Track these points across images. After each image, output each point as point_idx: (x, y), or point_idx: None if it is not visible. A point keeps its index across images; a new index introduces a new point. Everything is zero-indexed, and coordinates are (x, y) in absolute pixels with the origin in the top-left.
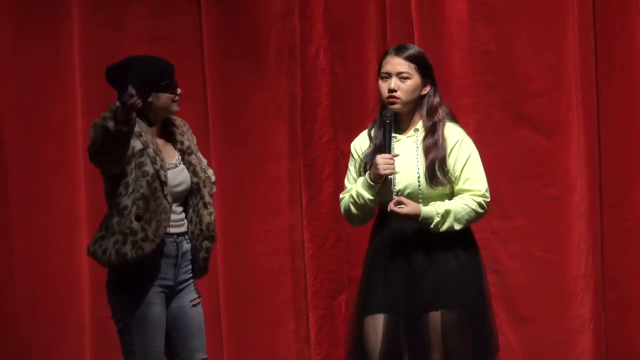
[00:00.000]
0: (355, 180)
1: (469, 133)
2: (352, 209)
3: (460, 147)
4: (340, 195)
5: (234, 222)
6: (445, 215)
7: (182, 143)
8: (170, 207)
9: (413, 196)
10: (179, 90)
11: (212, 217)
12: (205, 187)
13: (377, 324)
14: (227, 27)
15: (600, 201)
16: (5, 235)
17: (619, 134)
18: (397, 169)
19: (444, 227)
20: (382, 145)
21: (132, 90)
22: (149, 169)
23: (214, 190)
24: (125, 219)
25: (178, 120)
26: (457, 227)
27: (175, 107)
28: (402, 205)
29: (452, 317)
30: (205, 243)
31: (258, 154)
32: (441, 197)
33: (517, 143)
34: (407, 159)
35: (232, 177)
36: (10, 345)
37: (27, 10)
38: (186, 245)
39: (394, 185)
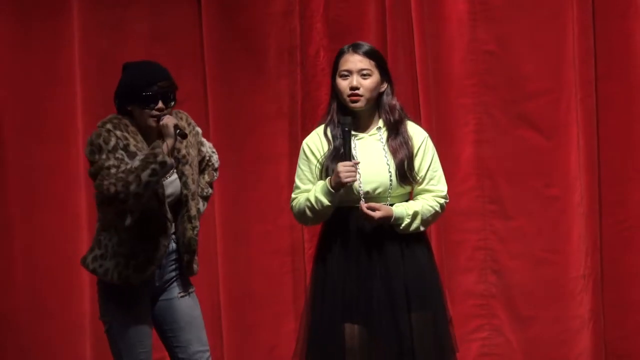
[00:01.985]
0: (310, 182)
1: (469, 133)
2: (308, 212)
3: (426, 146)
4: (293, 195)
5: (234, 222)
6: (414, 216)
7: (178, 151)
8: (171, 224)
9: (382, 196)
10: (158, 105)
11: (195, 232)
12: (193, 199)
13: (353, 332)
14: (227, 27)
15: (599, 201)
16: (5, 235)
17: (619, 134)
18: (363, 169)
19: (412, 228)
20: (343, 153)
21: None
22: None
23: (216, 176)
24: (125, 241)
25: (183, 121)
26: (422, 228)
27: (150, 122)
28: (376, 210)
29: (426, 318)
30: (186, 256)
31: (258, 154)
32: (403, 197)
33: (517, 143)
34: (374, 158)
35: (232, 177)
36: (10, 345)
37: (27, 10)
38: (173, 245)
39: (361, 188)
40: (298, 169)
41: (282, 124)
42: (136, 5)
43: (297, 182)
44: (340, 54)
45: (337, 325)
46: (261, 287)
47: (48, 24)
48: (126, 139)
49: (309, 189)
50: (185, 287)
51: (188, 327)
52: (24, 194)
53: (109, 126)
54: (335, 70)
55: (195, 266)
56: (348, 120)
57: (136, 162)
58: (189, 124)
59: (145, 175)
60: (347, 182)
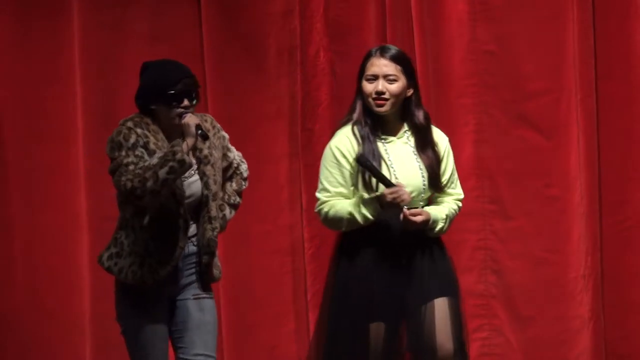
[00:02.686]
0: (342, 185)
1: (469, 133)
2: (346, 222)
3: (449, 151)
4: (322, 198)
5: (234, 222)
6: (446, 219)
7: (200, 151)
8: (188, 225)
9: (415, 199)
10: (184, 103)
11: (214, 233)
12: (214, 200)
13: (379, 331)
14: (227, 27)
15: (599, 201)
16: (5, 235)
17: (619, 134)
18: (399, 173)
19: (443, 231)
20: (383, 183)
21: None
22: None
23: (244, 185)
24: (142, 240)
25: (207, 123)
26: (446, 230)
27: (177, 120)
28: (417, 215)
29: (455, 303)
30: (205, 257)
31: (258, 154)
32: (426, 200)
33: (517, 143)
34: (407, 162)
35: None
36: (10, 345)
37: (27, 10)
38: (192, 248)
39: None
40: (326, 172)
41: (282, 124)
42: (136, 5)
43: (326, 184)
44: (367, 57)
45: (362, 326)
46: (261, 287)
47: (48, 24)
48: (146, 136)
49: (341, 193)
50: (203, 290)
51: (195, 329)
52: (24, 194)
53: (129, 124)
54: (361, 72)
55: (215, 271)
56: (363, 157)
57: (154, 159)
58: (213, 127)
59: (162, 173)
60: (406, 204)
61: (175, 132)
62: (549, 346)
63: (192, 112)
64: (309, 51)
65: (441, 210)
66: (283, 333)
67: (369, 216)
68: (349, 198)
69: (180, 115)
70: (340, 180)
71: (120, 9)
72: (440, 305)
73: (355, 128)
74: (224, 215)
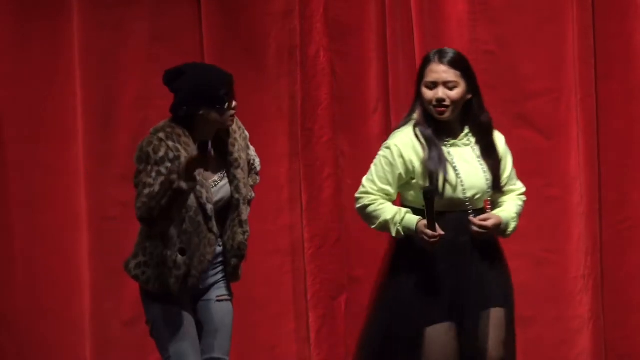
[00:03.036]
0: (389, 184)
1: None
2: (378, 226)
3: (507, 150)
4: (367, 188)
5: None
6: (517, 217)
7: (231, 154)
8: (216, 238)
9: (480, 200)
10: (234, 104)
11: (245, 237)
12: (245, 204)
13: (445, 332)
14: (227, 27)
15: (599, 201)
16: (5, 235)
17: (619, 134)
18: (464, 175)
19: (514, 231)
20: (428, 220)
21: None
22: (192, 202)
23: (258, 180)
24: (170, 251)
25: (234, 125)
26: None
27: (229, 122)
28: (487, 220)
29: (510, 315)
30: (234, 260)
31: (258, 154)
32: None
33: (517, 143)
34: (471, 164)
35: None
36: (10, 345)
37: (27, 10)
38: (218, 249)
39: (466, 196)
40: (379, 166)
41: (282, 124)
42: (136, 5)
43: (375, 177)
44: (426, 62)
45: (420, 328)
46: (261, 287)
47: (48, 24)
48: (178, 150)
49: (386, 191)
50: (226, 291)
51: (215, 332)
52: (24, 194)
53: (161, 135)
54: (420, 76)
55: (239, 272)
56: (430, 191)
57: (157, 187)
58: (239, 128)
59: (165, 203)
60: (428, 250)
61: (209, 137)
62: (549, 346)
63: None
64: (309, 51)
65: (509, 210)
66: (283, 333)
67: (402, 233)
68: (392, 198)
69: (232, 117)
70: (390, 179)
71: (121, 8)
72: (497, 315)
73: (418, 130)
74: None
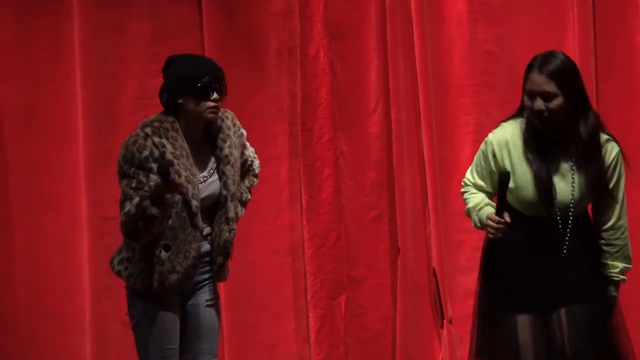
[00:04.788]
0: (482, 179)
1: (469, 133)
2: (466, 213)
3: (617, 165)
4: (469, 180)
5: None
6: (624, 269)
7: (221, 150)
8: (202, 234)
9: (563, 213)
10: (214, 95)
11: (232, 235)
12: (232, 201)
13: (528, 322)
14: (228, 27)
15: None
16: (5, 235)
17: (618, 134)
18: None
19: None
20: (498, 204)
21: (175, 167)
22: (178, 198)
23: (255, 182)
24: (153, 248)
25: (228, 121)
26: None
27: (207, 114)
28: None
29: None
30: (220, 258)
31: (258, 154)
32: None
33: None
34: (562, 176)
35: None
36: (10, 345)
37: (28, 10)
38: (206, 246)
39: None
40: (478, 160)
41: (282, 124)
42: (137, 5)
43: (474, 170)
44: (530, 68)
45: (510, 317)
46: (261, 287)
47: (48, 24)
48: (163, 146)
49: (480, 186)
50: (214, 294)
51: (206, 337)
52: (24, 194)
53: (147, 130)
54: (525, 81)
55: (226, 272)
56: (505, 174)
57: (133, 209)
58: (234, 125)
59: (142, 224)
60: (492, 237)
61: (197, 130)
62: None
63: (219, 106)
64: (309, 51)
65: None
66: (283, 333)
67: (478, 224)
68: (489, 192)
69: (212, 109)
70: (485, 174)
71: (121, 8)
72: (583, 312)
73: (525, 131)
74: (236, 212)
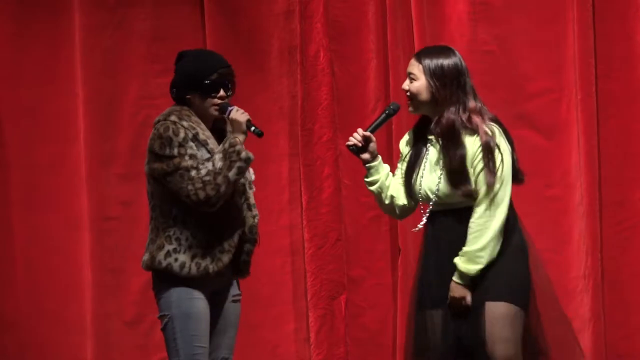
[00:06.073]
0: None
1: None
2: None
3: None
4: None
5: None
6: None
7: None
8: (252, 213)
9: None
10: (221, 92)
11: (256, 220)
12: (250, 188)
13: (433, 318)
14: (229, 28)
15: (599, 201)
16: (6, 235)
17: (619, 134)
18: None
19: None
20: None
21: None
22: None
23: (253, 189)
24: (200, 232)
25: None
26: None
27: (212, 111)
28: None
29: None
30: (247, 246)
31: (258, 154)
32: (443, 205)
33: (517, 143)
34: (431, 165)
35: None
36: (10, 345)
37: (28, 10)
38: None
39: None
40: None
41: (282, 124)
42: (138, 5)
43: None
44: None
45: (416, 314)
46: (261, 287)
47: (48, 24)
48: (194, 128)
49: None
50: (239, 290)
51: (224, 332)
52: (24, 194)
53: (173, 118)
54: None
55: (249, 266)
56: (397, 107)
57: (218, 163)
58: None
59: (232, 175)
60: (346, 145)
61: (208, 122)
62: None
63: (227, 104)
64: (309, 51)
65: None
66: (283, 333)
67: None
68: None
69: (217, 106)
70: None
71: (122, 8)
72: (495, 309)
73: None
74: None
